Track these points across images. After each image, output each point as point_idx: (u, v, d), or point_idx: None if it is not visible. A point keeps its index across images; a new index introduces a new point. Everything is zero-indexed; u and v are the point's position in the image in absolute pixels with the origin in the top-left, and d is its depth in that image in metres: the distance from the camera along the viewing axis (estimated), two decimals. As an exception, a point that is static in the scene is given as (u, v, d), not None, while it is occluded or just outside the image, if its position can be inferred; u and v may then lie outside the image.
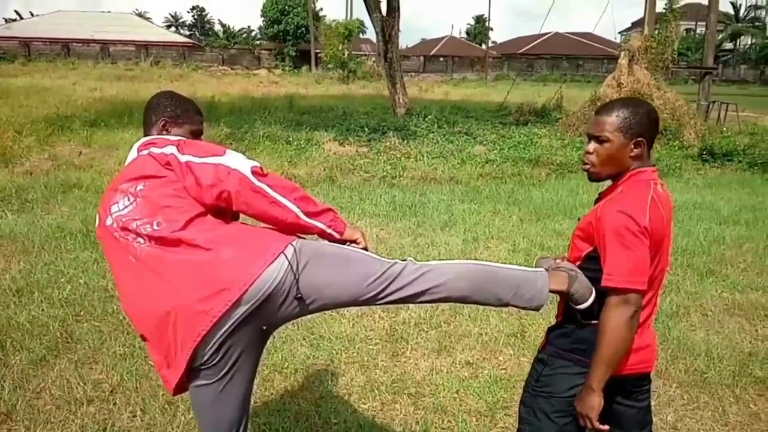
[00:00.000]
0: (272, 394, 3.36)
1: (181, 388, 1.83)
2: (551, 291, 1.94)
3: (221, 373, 1.80)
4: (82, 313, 4.22)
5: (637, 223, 1.75)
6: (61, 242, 5.61)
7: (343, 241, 1.97)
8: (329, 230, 1.91)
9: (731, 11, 59.94)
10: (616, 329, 1.77)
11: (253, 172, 1.77)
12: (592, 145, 1.94)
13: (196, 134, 2.09)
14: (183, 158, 1.78)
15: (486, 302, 2.01)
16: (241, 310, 1.70)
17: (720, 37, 47.87)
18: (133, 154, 1.93)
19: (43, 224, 6.15)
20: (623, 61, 13.72)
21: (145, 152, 1.87)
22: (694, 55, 42.82)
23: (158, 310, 1.72)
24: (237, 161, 1.78)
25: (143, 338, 1.84)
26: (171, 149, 1.81)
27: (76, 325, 4.03)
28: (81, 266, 5.04)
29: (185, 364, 1.74)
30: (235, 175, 1.74)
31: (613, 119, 1.87)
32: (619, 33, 50.80)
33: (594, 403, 1.82)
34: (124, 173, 1.88)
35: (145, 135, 2.03)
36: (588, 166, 1.95)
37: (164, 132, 2.01)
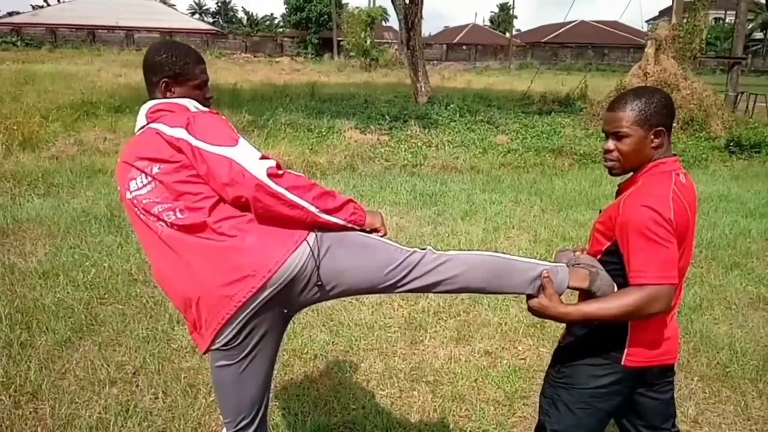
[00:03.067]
0: (292, 378, 3.39)
1: (209, 350, 1.85)
2: (571, 287, 1.92)
3: (242, 354, 1.83)
4: (106, 296, 4.29)
5: (662, 217, 1.71)
6: (86, 226, 5.70)
7: (365, 230, 1.96)
8: (349, 225, 1.88)
9: (762, 0, 58.48)
10: (632, 311, 1.74)
11: (269, 175, 1.71)
12: (611, 143, 1.88)
13: (201, 86, 2.01)
14: (195, 143, 1.74)
15: (502, 292, 2.01)
16: (264, 294, 1.72)
17: (750, 26, 46.82)
18: (141, 120, 1.90)
19: (68, 208, 6.26)
20: (650, 50, 13.50)
21: (154, 125, 1.83)
22: (722, 44, 41.97)
23: (182, 290, 1.77)
24: (251, 160, 1.71)
25: None
26: (181, 132, 1.76)
27: (100, 308, 4.10)
28: (105, 250, 5.12)
29: (209, 342, 1.78)
30: (251, 180, 1.69)
31: (629, 113, 1.82)
32: (646, 22, 49.98)
33: (553, 313, 1.84)
34: (136, 147, 1.86)
35: (150, 95, 1.97)
36: (611, 164, 1.90)
37: (168, 93, 1.95)
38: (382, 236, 1.95)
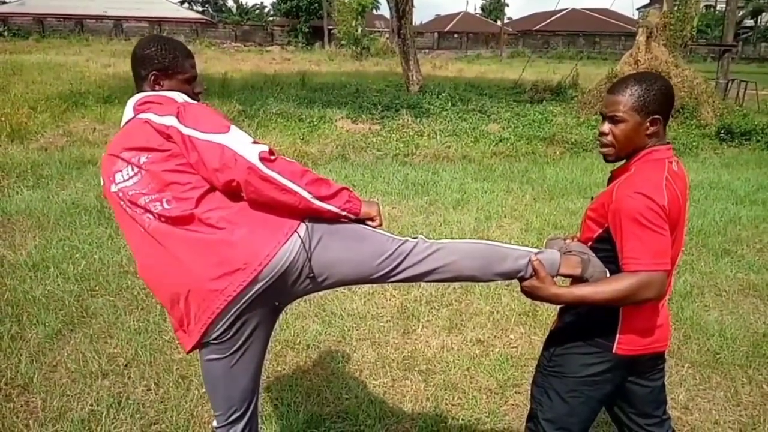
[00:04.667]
0: (284, 369, 3.39)
1: (195, 347, 1.83)
2: (563, 275, 1.93)
3: (233, 348, 1.81)
4: (97, 288, 4.27)
5: (656, 203, 1.71)
6: (75, 218, 5.66)
7: (360, 220, 1.93)
8: (343, 213, 1.84)
9: (753, -13, 58.48)
10: (624, 297, 1.74)
11: (261, 159, 1.68)
12: (606, 126, 1.87)
13: (190, 81, 1.99)
14: (185, 131, 1.71)
15: (493, 280, 2.02)
16: (255, 287, 1.71)
17: (740, 14, 46.78)
18: (128, 113, 1.87)
19: (58, 200, 6.21)
20: (641, 38, 13.49)
21: (142, 116, 1.80)
22: (713, 32, 42.03)
23: (170, 284, 1.73)
24: (243, 145, 1.69)
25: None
26: (171, 120, 1.73)
27: (91, 300, 4.08)
28: (96, 242, 5.09)
29: (198, 337, 1.76)
30: (243, 164, 1.66)
31: (627, 98, 1.81)
32: (638, 9, 50.07)
33: (545, 295, 1.86)
34: (123, 138, 1.83)
35: (138, 89, 1.95)
36: (605, 149, 1.90)
37: (156, 87, 1.93)
38: (377, 226, 1.92)
